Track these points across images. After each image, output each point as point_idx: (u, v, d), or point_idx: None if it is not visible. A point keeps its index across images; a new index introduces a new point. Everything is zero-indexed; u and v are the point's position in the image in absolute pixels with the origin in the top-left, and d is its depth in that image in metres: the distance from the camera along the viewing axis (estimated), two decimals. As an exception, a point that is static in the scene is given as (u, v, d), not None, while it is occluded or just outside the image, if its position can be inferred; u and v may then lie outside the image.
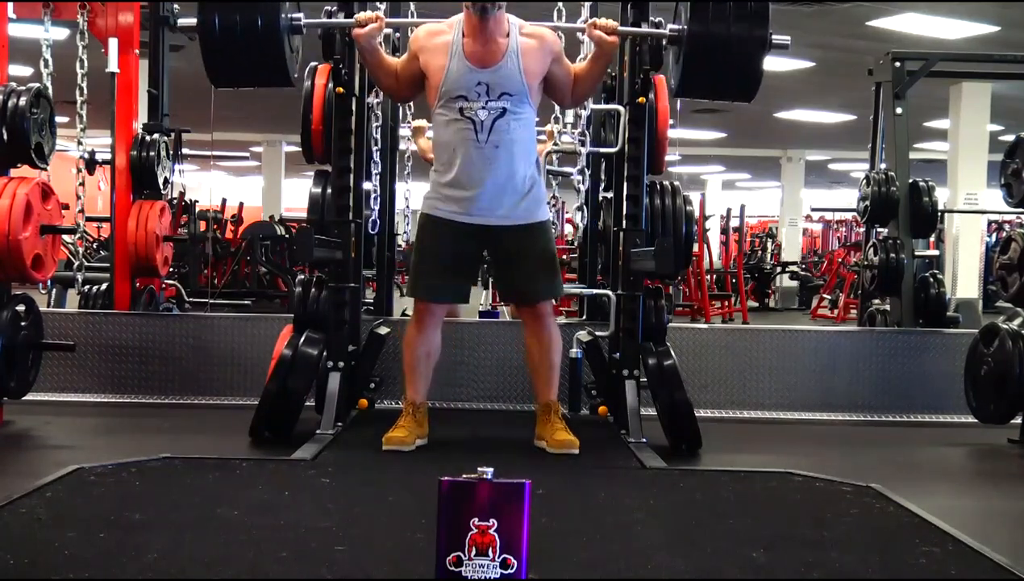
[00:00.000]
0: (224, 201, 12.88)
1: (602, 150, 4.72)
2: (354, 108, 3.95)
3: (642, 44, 3.88)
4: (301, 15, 3.68)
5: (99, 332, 4.77)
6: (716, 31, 3.50)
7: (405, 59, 3.60)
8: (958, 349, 4.70)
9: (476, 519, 1.88)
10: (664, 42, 3.75)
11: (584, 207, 4.96)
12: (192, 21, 3.53)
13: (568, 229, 11.94)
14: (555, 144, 5.38)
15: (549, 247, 3.64)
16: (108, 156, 5.36)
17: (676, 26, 3.66)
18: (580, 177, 4.88)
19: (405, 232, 6.06)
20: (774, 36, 3.52)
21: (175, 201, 7.65)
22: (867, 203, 5.82)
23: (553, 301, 3.69)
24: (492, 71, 3.43)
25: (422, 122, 5.69)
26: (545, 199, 3.77)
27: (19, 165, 4.07)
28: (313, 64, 4.25)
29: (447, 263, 3.57)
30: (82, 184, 5.59)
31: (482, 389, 4.66)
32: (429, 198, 3.59)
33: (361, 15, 3.51)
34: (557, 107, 4.32)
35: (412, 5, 4.98)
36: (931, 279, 5.68)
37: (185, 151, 6.59)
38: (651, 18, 3.90)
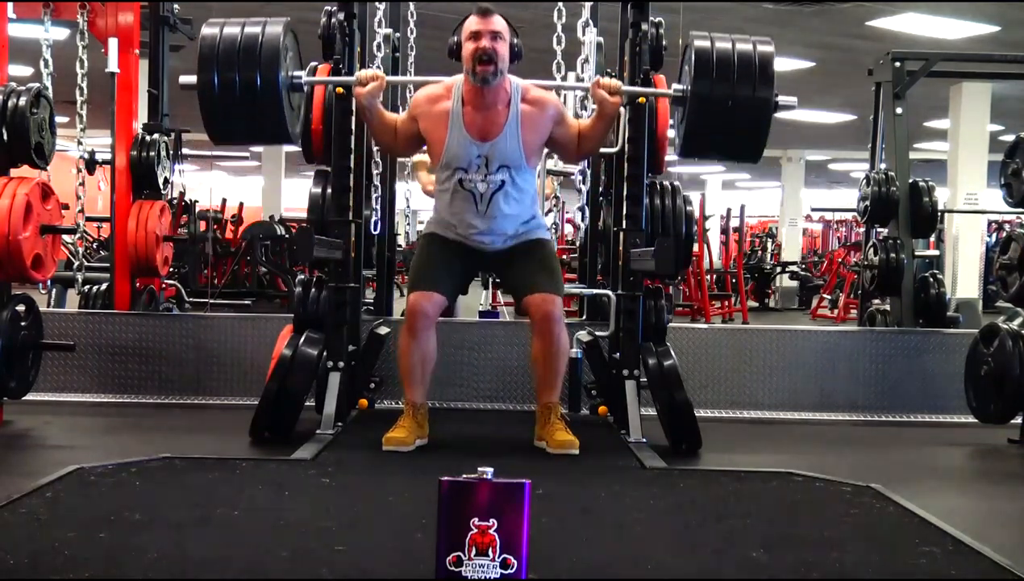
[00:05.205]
0: (224, 201, 12.85)
1: (602, 150, 4.70)
2: (354, 108, 3.95)
3: (642, 44, 3.87)
4: (302, 73, 3.69)
5: (99, 332, 4.76)
6: (719, 93, 3.42)
7: (404, 118, 3.71)
8: (958, 349, 4.70)
9: (476, 519, 1.88)
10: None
11: (585, 207, 4.95)
12: (192, 79, 3.51)
13: (568, 229, 11.92)
14: None
15: (550, 258, 3.72)
16: (108, 156, 5.36)
17: (680, 86, 3.63)
18: (581, 177, 4.88)
19: (406, 232, 6.05)
20: (780, 97, 3.44)
21: (175, 201, 7.64)
22: (867, 203, 5.82)
23: (562, 307, 3.64)
24: (491, 144, 3.53)
25: (424, 157, 5.68)
26: (545, 226, 3.89)
27: (19, 165, 4.07)
28: (313, 64, 4.25)
29: (444, 264, 3.65)
30: (82, 184, 5.60)
31: (482, 389, 4.65)
32: (432, 223, 3.75)
33: (362, 73, 3.56)
34: (561, 97, 4.31)
35: (412, 5, 4.99)
36: (931, 279, 5.67)
37: (185, 151, 6.61)
38: (651, 18, 3.90)
